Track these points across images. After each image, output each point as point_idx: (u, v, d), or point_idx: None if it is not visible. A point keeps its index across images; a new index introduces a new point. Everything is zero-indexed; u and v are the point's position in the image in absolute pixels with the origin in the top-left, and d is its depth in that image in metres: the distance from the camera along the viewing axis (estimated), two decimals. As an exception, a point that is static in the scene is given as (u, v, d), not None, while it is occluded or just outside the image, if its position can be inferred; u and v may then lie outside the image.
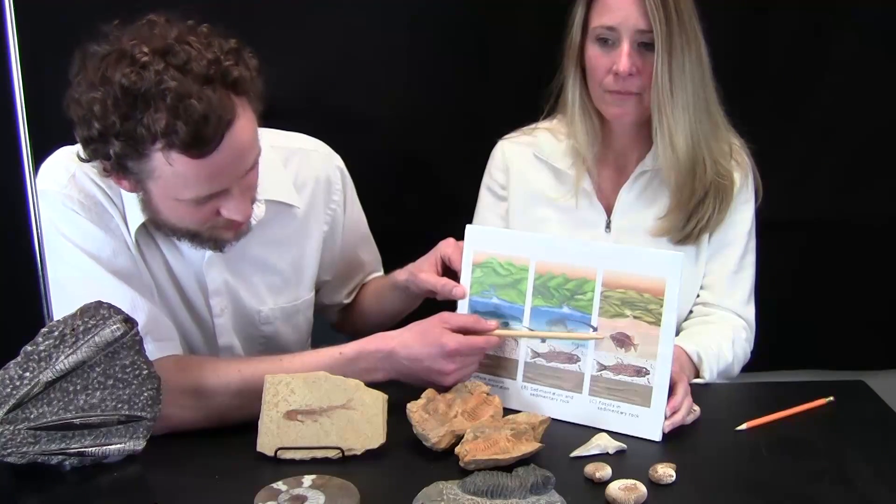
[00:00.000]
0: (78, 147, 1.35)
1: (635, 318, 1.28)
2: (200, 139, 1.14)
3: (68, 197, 1.32)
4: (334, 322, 1.72)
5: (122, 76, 1.13)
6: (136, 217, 1.34)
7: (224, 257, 1.42)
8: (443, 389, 1.30)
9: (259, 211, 1.40)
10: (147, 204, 1.28)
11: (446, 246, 1.42)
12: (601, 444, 1.22)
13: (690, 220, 1.54)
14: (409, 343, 1.29)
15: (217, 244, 1.33)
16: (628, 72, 1.45)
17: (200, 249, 1.35)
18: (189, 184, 1.20)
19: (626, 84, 1.47)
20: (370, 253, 1.68)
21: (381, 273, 1.69)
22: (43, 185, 1.33)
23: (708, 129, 1.51)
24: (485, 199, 1.68)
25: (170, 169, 1.18)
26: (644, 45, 1.45)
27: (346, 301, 1.67)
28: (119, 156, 1.18)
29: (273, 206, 1.44)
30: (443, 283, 1.39)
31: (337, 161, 1.57)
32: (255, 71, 1.23)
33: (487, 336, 1.32)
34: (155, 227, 1.33)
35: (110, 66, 1.15)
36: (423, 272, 1.43)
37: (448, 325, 1.30)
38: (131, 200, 1.33)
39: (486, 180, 1.68)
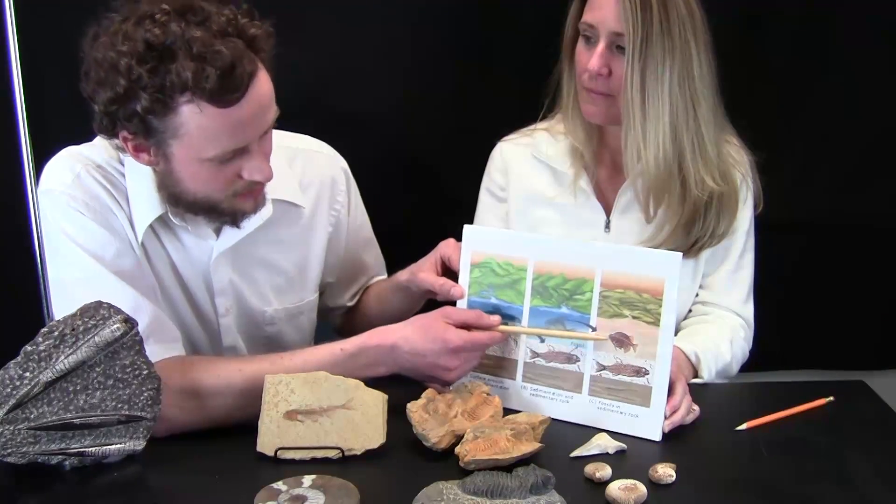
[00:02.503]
0: (83, 147, 1.37)
1: (634, 318, 1.28)
2: (229, 86, 1.17)
3: (73, 197, 1.32)
4: (337, 326, 1.71)
5: (146, 32, 1.16)
6: (144, 217, 1.34)
7: (231, 257, 1.43)
8: (439, 385, 1.30)
9: (266, 210, 1.41)
10: (166, 176, 1.28)
11: (446, 246, 1.42)
12: (601, 444, 1.22)
13: (689, 235, 1.53)
14: (412, 338, 1.28)
15: (235, 217, 1.33)
16: (597, 71, 1.44)
17: (215, 224, 1.35)
18: (214, 138, 1.21)
19: (596, 83, 1.46)
20: (374, 256, 1.68)
21: (384, 276, 1.69)
22: (47, 184, 1.34)
23: (691, 145, 1.47)
24: (484, 201, 1.68)
25: (196, 122, 1.19)
26: (622, 49, 1.43)
27: (350, 304, 1.67)
28: (146, 111, 1.18)
29: (279, 206, 1.45)
30: (441, 283, 1.39)
31: (341, 163, 1.58)
32: (267, 34, 1.26)
33: (491, 332, 1.31)
34: (173, 203, 1.32)
35: (131, 27, 1.18)
36: (422, 272, 1.43)
37: (451, 321, 1.29)
38: (138, 200, 1.34)
39: (486, 182, 1.68)
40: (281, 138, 1.51)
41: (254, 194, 1.31)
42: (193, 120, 1.19)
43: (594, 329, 1.30)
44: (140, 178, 1.34)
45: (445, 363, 1.28)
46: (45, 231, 1.35)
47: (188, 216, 1.36)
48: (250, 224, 1.41)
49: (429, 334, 1.28)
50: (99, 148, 1.39)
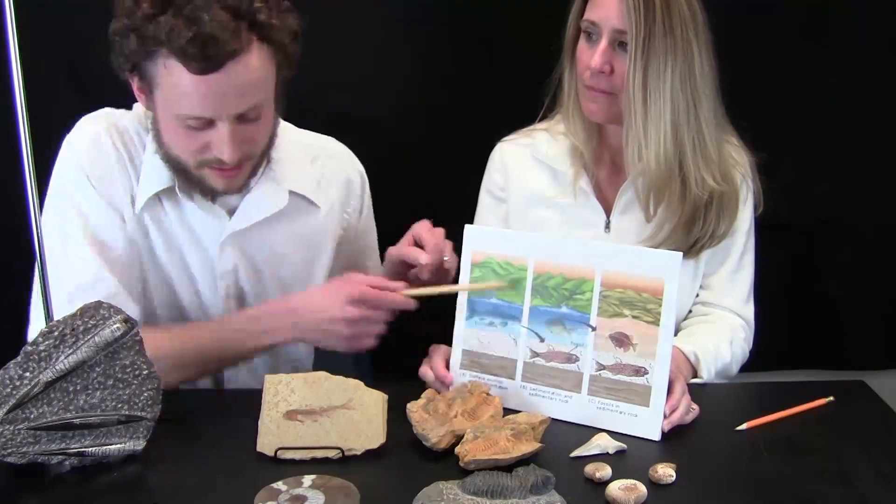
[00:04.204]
0: (121, 110, 1.44)
1: (634, 317, 1.28)
2: (199, 54, 1.19)
3: (82, 159, 1.37)
4: None
5: None
6: (150, 187, 1.38)
7: (241, 241, 1.44)
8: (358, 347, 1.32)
9: (280, 199, 1.44)
10: (156, 124, 1.33)
11: (419, 227, 1.43)
12: (601, 444, 1.22)
13: (689, 235, 1.53)
14: (312, 296, 1.31)
15: (205, 189, 1.36)
16: (599, 68, 1.45)
17: (196, 191, 1.38)
18: (183, 99, 1.24)
19: (598, 81, 1.47)
20: (374, 265, 1.68)
21: None
22: (71, 136, 1.40)
23: (692, 144, 1.47)
24: (484, 202, 1.68)
25: (170, 78, 1.23)
26: (624, 46, 1.44)
27: None
28: (132, 53, 1.24)
29: (296, 200, 1.47)
30: (409, 249, 1.40)
31: (359, 167, 1.60)
32: (289, 28, 1.29)
33: (393, 295, 1.31)
34: (166, 160, 1.36)
35: None
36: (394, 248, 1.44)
37: (355, 279, 1.31)
38: (150, 169, 1.38)
39: (486, 183, 1.68)
40: (304, 136, 1.55)
41: (224, 174, 1.32)
42: (168, 75, 1.23)
43: (594, 329, 1.30)
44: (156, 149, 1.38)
45: (345, 314, 1.29)
46: (55, 172, 1.40)
47: (195, 194, 1.39)
48: (263, 211, 1.44)
49: (329, 289, 1.30)
50: (132, 115, 1.44)
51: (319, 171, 1.53)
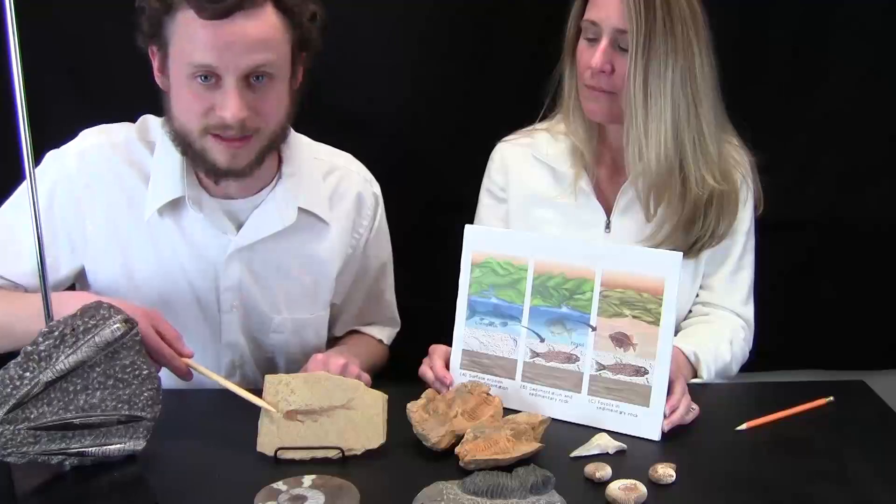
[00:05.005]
0: (124, 125, 1.46)
1: (634, 317, 1.28)
2: None
3: (62, 176, 1.40)
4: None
5: None
6: (161, 196, 1.39)
7: (248, 257, 1.44)
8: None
9: (289, 216, 1.43)
10: (168, 101, 1.34)
11: (312, 365, 1.36)
12: (601, 444, 1.22)
13: (689, 235, 1.53)
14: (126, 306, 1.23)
15: (208, 164, 1.34)
16: (600, 68, 1.45)
17: (202, 170, 1.38)
18: (192, 47, 1.26)
19: (598, 80, 1.47)
20: (389, 290, 1.66)
21: (378, 334, 1.66)
22: (66, 146, 1.42)
23: (692, 143, 1.47)
24: (485, 202, 1.68)
25: (184, 27, 1.26)
26: (624, 46, 1.44)
27: (338, 334, 1.65)
28: (155, 11, 1.28)
29: (305, 217, 1.46)
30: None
31: (374, 188, 1.58)
32: (307, 6, 1.32)
33: (174, 358, 1.25)
34: (173, 138, 1.36)
35: None
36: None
37: (156, 316, 1.26)
38: (161, 178, 1.39)
39: (486, 183, 1.68)
40: (319, 151, 1.54)
41: (228, 144, 1.32)
42: (183, 26, 1.27)
43: (594, 329, 1.30)
44: (168, 156, 1.38)
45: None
46: (38, 171, 1.40)
47: (205, 206, 1.40)
48: (271, 227, 1.43)
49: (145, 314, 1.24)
50: (130, 128, 1.45)
51: (332, 188, 1.51)
